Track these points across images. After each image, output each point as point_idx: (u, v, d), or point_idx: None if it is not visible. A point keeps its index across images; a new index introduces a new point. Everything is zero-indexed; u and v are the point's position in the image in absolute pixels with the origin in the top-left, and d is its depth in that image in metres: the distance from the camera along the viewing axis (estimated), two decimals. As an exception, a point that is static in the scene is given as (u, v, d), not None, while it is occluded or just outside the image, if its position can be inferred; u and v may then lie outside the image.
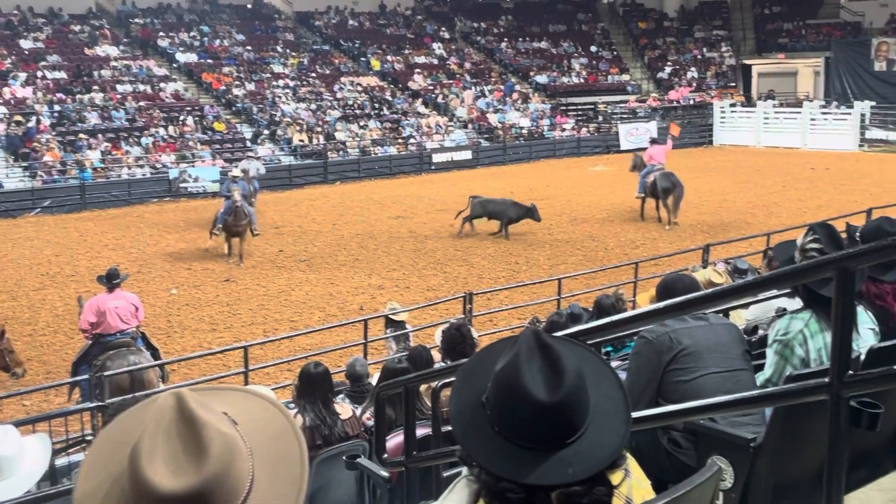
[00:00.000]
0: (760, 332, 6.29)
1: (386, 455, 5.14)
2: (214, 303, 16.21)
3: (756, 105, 42.08)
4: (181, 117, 33.47)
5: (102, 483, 1.54)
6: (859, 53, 42.12)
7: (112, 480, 1.53)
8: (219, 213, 19.43)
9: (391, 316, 11.58)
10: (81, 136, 30.49)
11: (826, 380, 2.61)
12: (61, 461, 7.17)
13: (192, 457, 1.48)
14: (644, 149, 25.37)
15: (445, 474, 4.63)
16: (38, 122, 30.61)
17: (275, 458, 1.59)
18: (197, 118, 33.90)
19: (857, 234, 4.64)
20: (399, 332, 11.35)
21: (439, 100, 40.11)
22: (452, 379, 4.83)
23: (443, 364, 6.79)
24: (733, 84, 45.23)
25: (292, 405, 6.41)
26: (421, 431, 5.23)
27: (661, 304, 3.30)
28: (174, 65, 38.12)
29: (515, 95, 41.93)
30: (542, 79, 44.25)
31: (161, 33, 39.61)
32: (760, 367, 4.22)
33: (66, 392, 11.27)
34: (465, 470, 1.90)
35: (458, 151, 35.80)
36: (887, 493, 3.51)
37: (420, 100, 40.20)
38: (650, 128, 39.40)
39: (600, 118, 41.59)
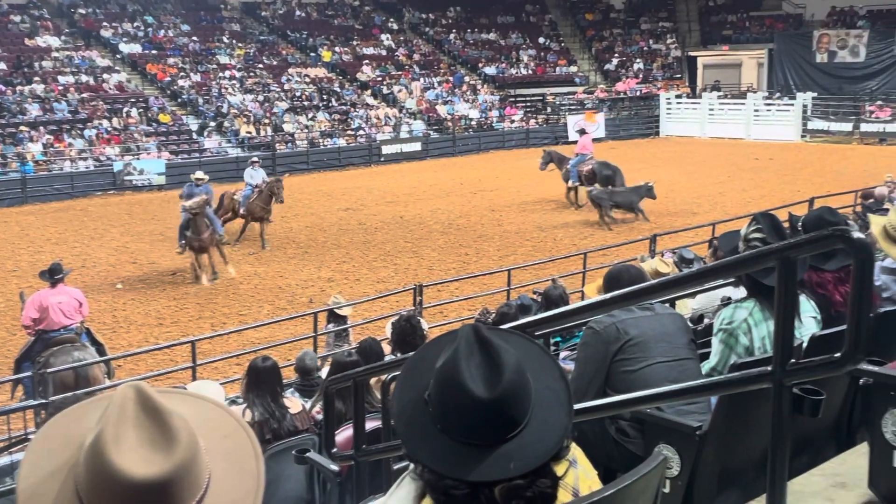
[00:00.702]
0: (706, 320, 6.37)
1: (335, 449, 5.12)
2: (161, 297, 15.99)
3: (701, 96, 42.64)
4: (125, 109, 32.94)
5: (50, 476, 1.51)
6: (801, 45, 42.89)
7: (63, 473, 1.50)
8: (179, 226, 17.10)
9: (335, 310, 11.50)
10: (23, 128, 29.84)
11: (769, 368, 2.65)
12: (4, 460, 7.02)
13: (161, 445, 1.46)
14: (574, 141, 25.82)
15: (395, 467, 4.62)
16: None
17: (229, 454, 1.59)
18: (141, 110, 33.39)
19: (800, 223, 4.72)
20: (339, 328, 11.27)
21: (385, 90, 39.98)
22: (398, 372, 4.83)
23: (393, 357, 6.78)
24: (679, 75, 45.76)
25: (241, 400, 6.35)
26: (371, 424, 5.21)
27: (609, 295, 3.32)
28: (118, 56, 37.46)
29: (464, 87, 41.96)
30: (490, 70, 44.34)
31: (104, 23, 38.86)
32: (706, 356, 4.27)
33: (8, 389, 11.03)
34: (412, 465, 1.89)
35: (407, 143, 35.76)
36: (830, 478, 3.58)
37: (369, 91, 40.04)
38: (598, 119, 39.78)
39: (549, 109, 41.83)
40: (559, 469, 1.79)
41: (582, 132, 25.85)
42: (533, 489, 1.73)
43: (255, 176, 20.22)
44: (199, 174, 18.40)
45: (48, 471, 1.51)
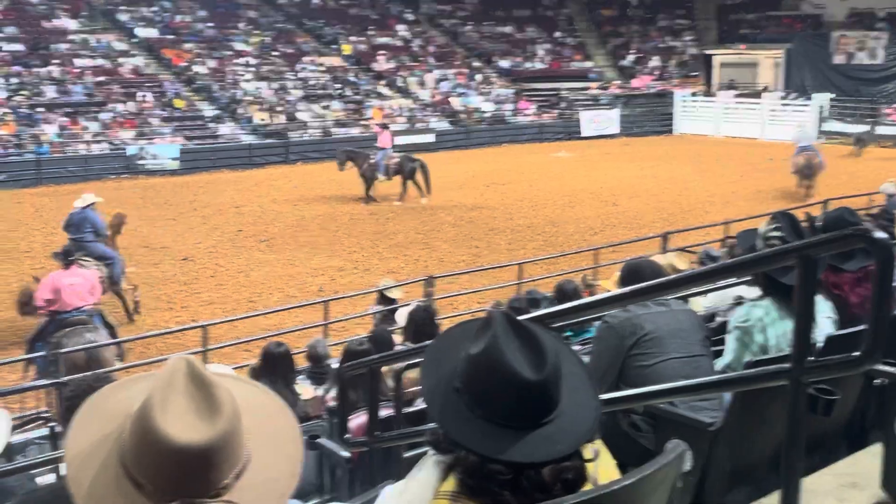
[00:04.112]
0: (718, 319, 6.37)
1: (349, 435, 5.14)
2: (172, 281, 16.05)
3: (716, 95, 42.45)
4: (140, 93, 33.00)
5: (96, 444, 1.55)
6: (819, 46, 42.64)
7: (110, 442, 1.55)
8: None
9: (385, 293, 11.48)
10: (39, 109, 29.95)
11: (787, 365, 2.66)
12: (17, 438, 7.08)
13: (205, 414, 1.51)
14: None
15: (406, 455, 4.64)
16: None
17: (271, 436, 1.63)
18: (156, 94, 33.45)
19: (818, 223, 4.71)
20: (387, 308, 11.23)
21: (399, 82, 39.94)
22: (416, 361, 4.85)
23: (404, 346, 6.80)
24: (695, 73, 45.56)
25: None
26: (382, 412, 5.23)
27: (626, 289, 3.34)
28: (134, 39, 37.50)
29: (479, 79, 41.89)
30: (505, 63, 44.24)
31: (122, 7, 38.92)
32: (718, 354, 4.28)
33: (20, 369, 11.11)
34: (430, 450, 1.90)
35: (420, 134, 35.70)
36: (841, 478, 3.58)
37: (384, 81, 40.01)
38: (612, 115, 39.72)
39: (563, 104, 41.70)
40: (586, 454, 1.82)
41: (384, 127, 26.60)
42: (573, 471, 1.77)
43: (805, 137, 22.92)
44: (93, 196, 14.32)
45: (95, 439, 1.56)
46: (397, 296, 11.51)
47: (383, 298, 11.46)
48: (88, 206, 13.80)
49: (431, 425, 1.95)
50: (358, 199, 23.85)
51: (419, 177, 23.45)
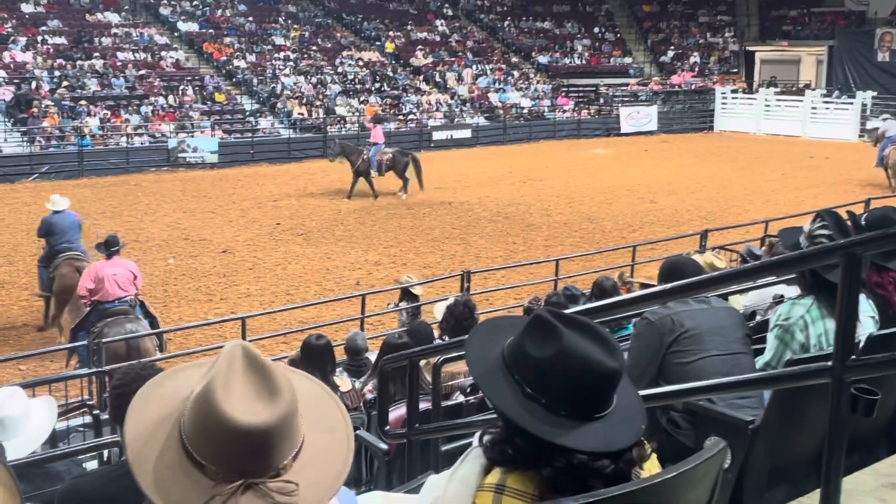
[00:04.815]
0: (758, 317, 6.33)
1: (388, 427, 5.19)
2: (211, 273, 16.22)
3: (758, 92, 41.99)
4: (181, 87, 33.36)
5: (156, 425, 1.61)
6: (863, 43, 42.02)
7: (170, 423, 1.61)
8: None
9: (409, 289, 11.55)
10: (82, 102, 30.39)
11: (829, 363, 2.65)
12: (60, 425, 7.21)
13: (265, 397, 1.56)
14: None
15: (443, 448, 4.68)
16: (39, 86, 30.58)
17: (321, 418, 1.69)
18: (197, 88, 33.79)
19: (863, 221, 4.67)
20: (412, 305, 11.31)
21: (437, 77, 39.98)
22: (454, 354, 4.88)
23: (440, 340, 6.82)
24: (735, 70, 45.13)
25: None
26: (421, 406, 5.27)
27: (668, 286, 3.33)
28: (175, 34, 37.91)
29: (517, 75, 41.80)
30: (543, 59, 44.10)
31: (163, 1, 39.34)
32: (758, 353, 4.26)
33: (63, 357, 11.30)
34: (475, 441, 1.92)
35: (457, 129, 35.73)
36: (882, 478, 3.56)
37: (421, 76, 40.07)
38: (651, 112, 39.45)
39: (601, 100, 41.47)
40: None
41: (376, 122, 26.45)
42: (642, 455, 1.84)
43: (892, 127, 23.70)
44: (59, 196, 13.32)
45: (154, 420, 1.61)
46: (419, 293, 11.58)
47: (406, 295, 11.52)
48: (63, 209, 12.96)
49: (480, 430, 1.93)
50: (388, 194, 23.88)
51: (411, 172, 23.36)
